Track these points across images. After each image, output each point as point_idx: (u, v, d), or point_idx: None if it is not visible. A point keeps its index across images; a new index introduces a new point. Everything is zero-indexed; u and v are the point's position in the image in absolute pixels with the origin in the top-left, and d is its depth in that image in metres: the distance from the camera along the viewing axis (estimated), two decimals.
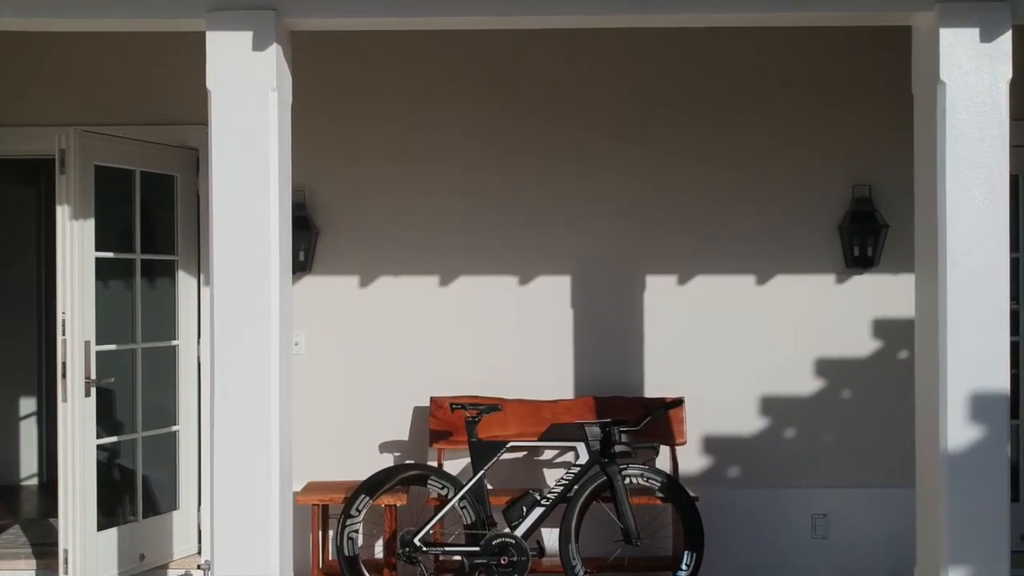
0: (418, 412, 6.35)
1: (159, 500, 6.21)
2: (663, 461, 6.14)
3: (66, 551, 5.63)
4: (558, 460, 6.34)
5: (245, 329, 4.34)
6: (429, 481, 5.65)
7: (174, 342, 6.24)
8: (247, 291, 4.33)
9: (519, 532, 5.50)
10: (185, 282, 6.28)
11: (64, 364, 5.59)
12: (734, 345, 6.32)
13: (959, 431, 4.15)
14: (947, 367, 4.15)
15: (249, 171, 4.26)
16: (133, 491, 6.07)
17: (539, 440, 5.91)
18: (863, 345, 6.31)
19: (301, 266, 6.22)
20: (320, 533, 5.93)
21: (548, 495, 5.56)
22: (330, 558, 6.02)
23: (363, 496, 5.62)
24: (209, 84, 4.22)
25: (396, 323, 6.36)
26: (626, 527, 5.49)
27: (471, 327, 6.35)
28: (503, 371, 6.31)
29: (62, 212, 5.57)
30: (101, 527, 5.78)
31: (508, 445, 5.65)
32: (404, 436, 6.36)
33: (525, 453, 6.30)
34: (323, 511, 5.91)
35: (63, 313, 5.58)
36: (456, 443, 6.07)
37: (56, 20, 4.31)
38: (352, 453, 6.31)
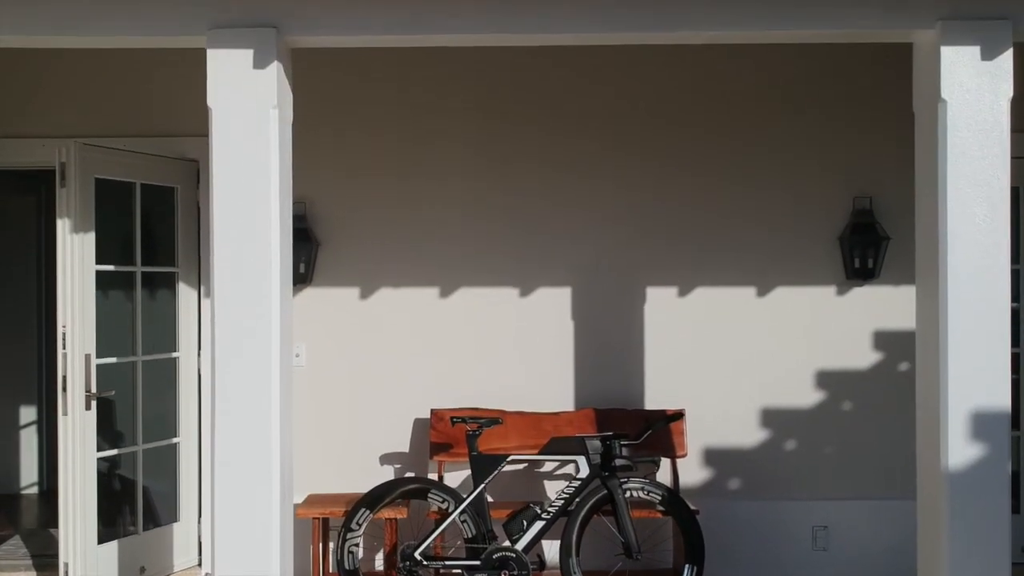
0: (418, 424, 6.35)
1: (160, 512, 6.21)
2: (664, 473, 6.14)
3: (67, 564, 5.63)
4: (559, 472, 6.34)
5: (246, 342, 4.33)
6: (430, 495, 5.65)
7: (174, 354, 6.24)
8: (248, 305, 4.32)
9: (520, 546, 5.49)
10: (185, 294, 6.28)
11: (65, 378, 5.59)
12: (735, 357, 6.32)
13: (960, 449, 4.15)
14: (948, 385, 4.14)
15: (250, 189, 4.25)
16: (133, 503, 6.07)
17: (540, 454, 5.90)
18: (863, 357, 6.31)
19: (301, 278, 6.22)
20: (321, 546, 5.93)
21: (549, 509, 5.56)
22: (331, 571, 6.02)
23: (364, 509, 5.62)
24: (210, 102, 4.21)
25: (396, 334, 6.36)
26: (627, 541, 5.49)
27: (471, 338, 6.35)
28: (503, 383, 6.31)
29: (62, 225, 5.57)
30: (102, 540, 5.78)
31: (508, 459, 5.65)
32: (404, 448, 6.36)
33: (526, 465, 6.29)
34: (324, 524, 5.91)
35: (63, 327, 5.58)
36: (457, 455, 6.06)
37: (56, 37, 4.31)
38: (352, 465, 6.31)
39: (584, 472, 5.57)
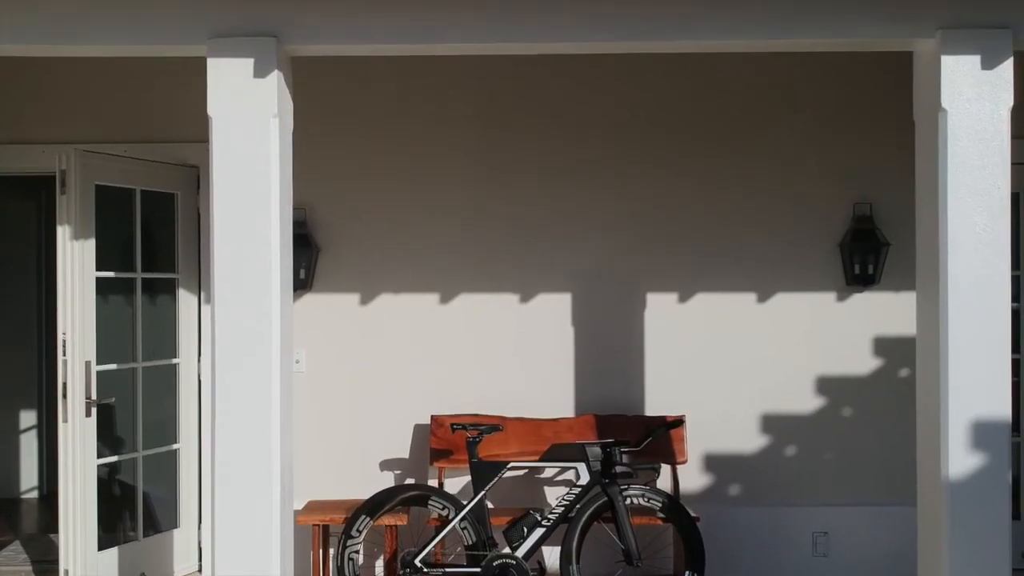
0: (419, 430, 6.35)
1: (160, 518, 6.21)
2: (664, 479, 6.14)
3: (67, 571, 5.63)
4: (559, 478, 6.34)
5: (246, 349, 4.32)
6: (430, 502, 5.65)
7: (174, 360, 6.24)
8: (248, 314, 4.31)
9: (520, 553, 5.49)
10: (185, 300, 6.28)
11: (65, 385, 5.59)
12: (735, 363, 6.32)
13: (960, 458, 4.15)
14: (948, 394, 4.14)
15: (251, 198, 4.25)
16: (134, 509, 6.07)
17: (540, 460, 5.90)
18: (864, 363, 6.32)
19: (302, 284, 6.22)
20: (321, 553, 5.93)
21: (549, 516, 5.56)
22: None
23: (364, 516, 5.61)
24: (210, 111, 4.21)
25: (396, 340, 6.36)
26: (627, 548, 5.49)
27: (471, 345, 6.35)
28: (504, 389, 6.31)
29: (63, 232, 5.57)
30: (102, 546, 5.78)
31: (509, 466, 5.65)
32: (405, 454, 6.36)
33: (526, 472, 6.29)
34: (324, 531, 5.91)
35: (64, 333, 5.57)
36: (457, 462, 6.06)
37: (56, 47, 4.30)
38: (352, 470, 6.31)
39: (584, 479, 5.57)
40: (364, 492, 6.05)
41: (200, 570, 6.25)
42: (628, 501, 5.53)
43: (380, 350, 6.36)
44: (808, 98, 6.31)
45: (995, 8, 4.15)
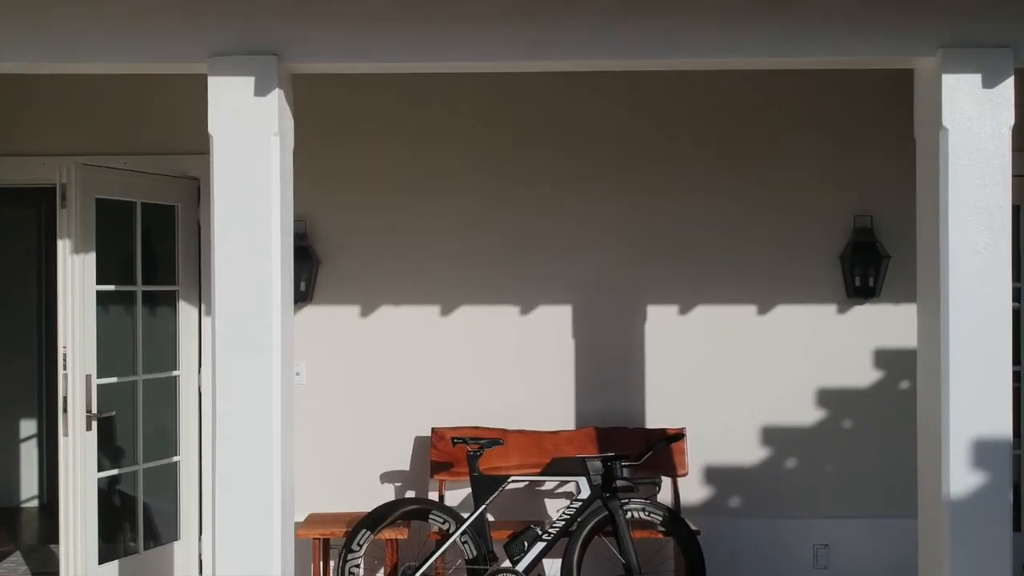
0: (419, 442, 6.35)
1: (160, 530, 6.21)
2: (665, 492, 6.14)
3: None
4: (559, 491, 6.34)
5: (247, 363, 4.32)
6: (431, 516, 5.65)
7: (175, 372, 6.23)
8: (249, 329, 4.31)
9: (521, 567, 5.49)
10: (186, 312, 6.28)
11: (65, 399, 5.58)
12: (735, 375, 6.32)
13: (961, 476, 4.15)
14: (949, 412, 4.14)
15: (251, 216, 4.24)
16: (134, 522, 6.07)
17: (541, 474, 5.90)
18: (864, 375, 6.32)
19: (302, 296, 6.22)
20: (322, 566, 5.92)
21: (550, 529, 5.55)
22: None
23: (364, 530, 5.61)
24: (211, 129, 4.21)
25: (397, 352, 6.36)
26: (628, 562, 5.48)
27: (472, 357, 6.35)
28: (504, 401, 6.31)
29: (63, 246, 5.56)
30: (103, 559, 5.77)
31: (510, 480, 5.65)
32: (405, 466, 6.36)
33: (527, 484, 6.29)
34: (324, 545, 5.90)
35: (64, 347, 5.57)
36: (457, 474, 6.06)
37: (58, 65, 4.30)
38: (353, 482, 6.31)
39: (585, 493, 5.57)
40: (365, 504, 6.06)
41: None
42: (629, 515, 5.53)
43: (380, 362, 6.35)
44: (808, 110, 6.31)
45: (996, 27, 4.15)
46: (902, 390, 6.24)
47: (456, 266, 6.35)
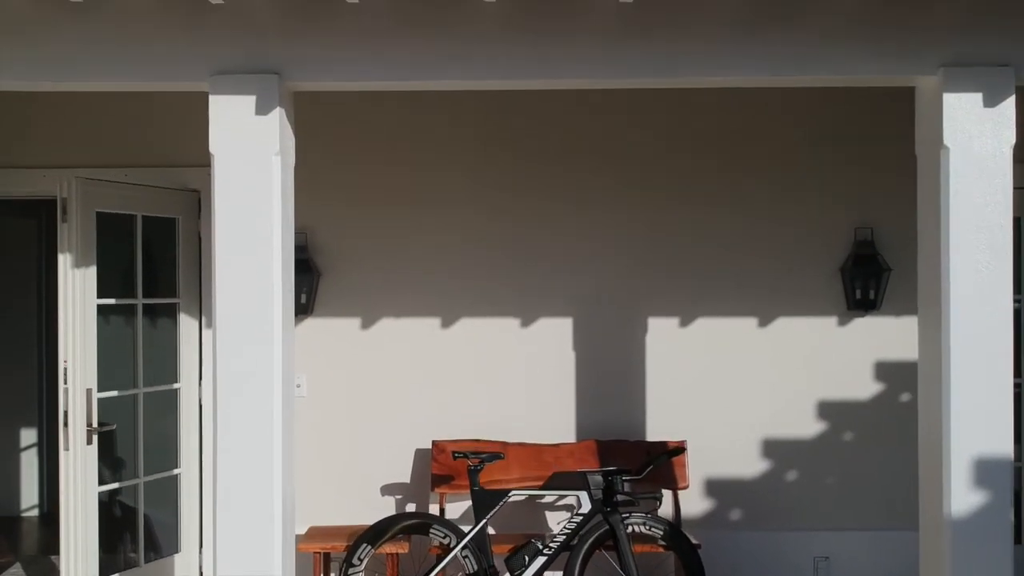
0: (420, 454, 6.35)
1: (161, 542, 6.21)
2: (666, 505, 6.15)
3: None
4: (560, 503, 6.34)
5: (248, 377, 4.31)
6: (431, 530, 5.65)
7: (175, 385, 6.23)
8: (250, 343, 4.30)
9: None
10: (186, 324, 6.28)
11: (66, 413, 5.58)
12: (736, 387, 6.32)
13: (963, 496, 4.14)
14: (950, 432, 4.14)
15: (253, 234, 4.23)
16: (135, 535, 6.07)
17: (542, 488, 5.91)
18: (865, 388, 6.32)
19: (303, 308, 6.22)
20: None
21: (551, 544, 5.55)
22: None
23: (365, 544, 5.61)
24: (212, 148, 4.20)
25: (397, 365, 6.36)
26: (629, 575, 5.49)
27: (472, 369, 6.35)
28: (505, 414, 6.31)
29: (63, 260, 5.56)
30: (103, 571, 5.77)
31: (510, 494, 5.65)
32: (406, 479, 6.36)
33: (527, 497, 6.29)
34: (325, 559, 5.90)
35: (65, 361, 5.57)
36: (458, 487, 6.06)
37: (57, 84, 4.29)
38: (353, 495, 6.31)
39: (586, 507, 5.57)
40: (365, 517, 6.06)
41: None
42: (629, 529, 5.53)
43: (381, 374, 6.36)
44: (809, 123, 6.31)
45: (997, 46, 4.14)
46: (902, 402, 6.24)
47: (456, 278, 6.35)
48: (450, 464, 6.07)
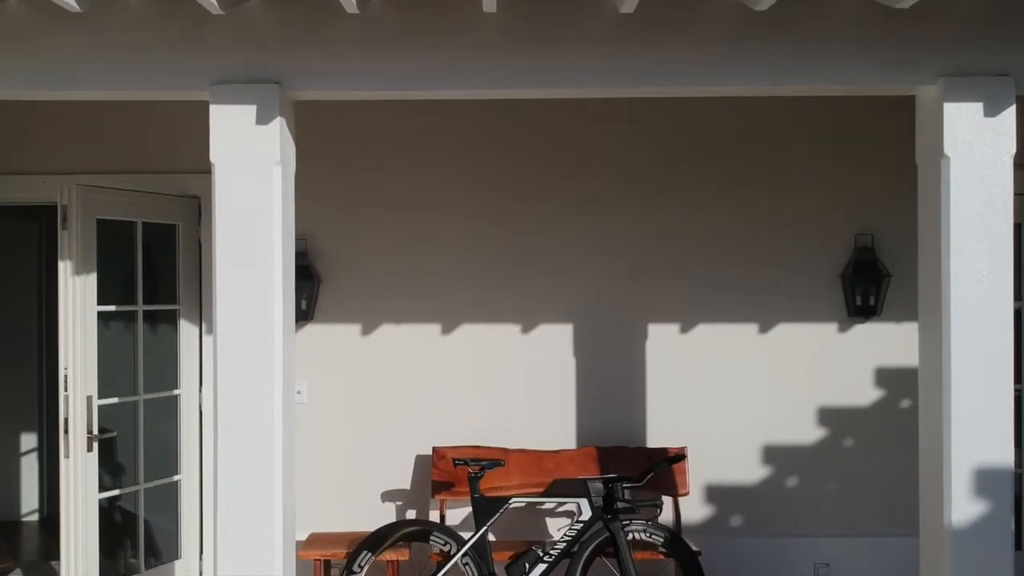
0: (420, 460, 6.35)
1: (161, 549, 6.22)
2: (666, 511, 6.14)
3: None
4: (560, 510, 6.34)
5: (248, 384, 4.31)
6: (432, 537, 5.65)
7: (176, 391, 6.24)
8: (250, 350, 4.29)
9: None
10: (187, 330, 6.28)
11: (67, 420, 5.58)
12: (736, 394, 6.32)
13: (963, 506, 4.14)
14: (951, 443, 4.13)
15: (253, 243, 4.23)
16: (135, 541, 6.07)
17: (542, 496, 5.91)
18: (865, 394, 6.32)
19: (303, 315, 6.22)
20: None
21: (551, 551, 5.56)
22: None
23: (366, 552, 5.61)
24: (213, 157, 4.19)
25: (398, 371, 6.36)
26: None
27: (473, 375, 6.35)
28: (505, 420, 6.31)
29: (64, 268, 5.56)
30: None
31: (511, 502, 5.65)
32: (406, 485, 6.36)
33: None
34: (326, 566, 5.90)
35: (65, 369, 5.57)
36: (458, 494, 6.07)
37: (56, 93, 4.28)
38: (354, 501, 6.31)
39: (586, 514, 5.57)
40: (366, 523, 6.06)
41: None
42: (630, 536, 5.53)
43: (381, 380, 6.36)
44: (809, 129, 6.31)
45: (997, 56, 4.14)
46: (903, 409, 6.24)
47: (457, 284, 6.35)
48: (450, 470, 6.07)
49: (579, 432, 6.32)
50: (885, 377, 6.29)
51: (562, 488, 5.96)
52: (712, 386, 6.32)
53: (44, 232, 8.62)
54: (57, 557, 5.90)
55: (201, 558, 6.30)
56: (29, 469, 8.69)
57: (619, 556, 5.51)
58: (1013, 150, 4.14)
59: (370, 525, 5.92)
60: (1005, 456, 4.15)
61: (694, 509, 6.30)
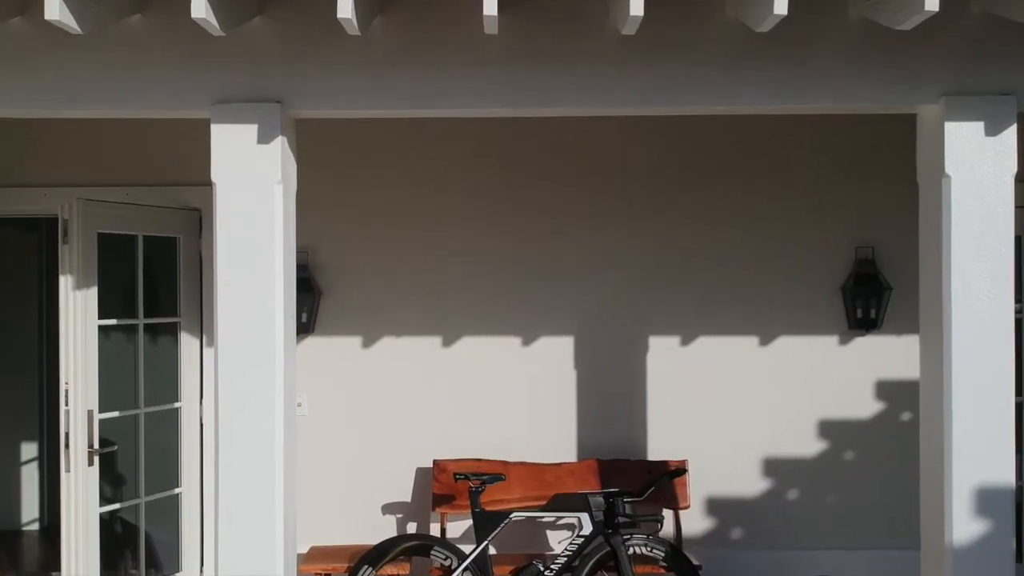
0: (421, 473, 6.35)
1: (162, 561, 6.21)
2: (667, 524, 6.14)
3: None
4: (561, 522, 6.34)
5: (249, 396, 4.30)
6: (432, 551, 5.64)
7: (176, 404, 6.23)
8: (251, 364, 4.29)
9: None
10: (187, 343, 6.28)
11: (67, 434, 5.57)
12: (737, 406, 6.32)
13: (964, 525, 4.14)
14: (952, 461, 4.13)
15: (254, 261, 4.22)
16: (136, 554, 6.07)
17: (543, 510, 5.91)
18: (866, 407, 6.32)
19: (304, 327, 6.22)
20: None
21: (552, 566, 5.56)
22: None
23: (366, 566, 5.61)
24: (214, 176, 4.19)
25: (398, 383, 6.36)
26: None
27: (473, 387, 6.36)
28: (506, 432, 6.31)
29: (65, 282, 5.55)
30: None
31: (511, 516, 5.65)
32: (407, 497, 6.36)
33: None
34: None
35: (66, 383, 5.56)
36: (459, 507, 6.07)
37: (56, 111, 4.28)
38: (355, 514, 6.31)
39: (587, 529, 5.57)
40: (366, 536, 6.06)
41: None
42: (631, 551, 5.53)
43: (382, 393, 6.36)
44: (810, 141, 6.31)
45: (999, 75, 4.13)
46: (903, 421, 6.24)
47: (457, 296, 6.36)
48: (451, 484, 6.07)
49: (580, 445, 6.33)
50: (886, 390, 6.29)
51: (563, 503, 5.96)
52: (713, 398, 6.32)
53: (45, 242, 8.62)
54: (58, 568, 5.88)
55: (202, 570, 6.30)
56: (29, 478, 8.69)
57: (620, 570, 5.51)
58: (1014, 169, 4.14)
59: (371, 537, 5.92)
60: (1006, 475, 4.15)
61: (695, 522, 6.30)
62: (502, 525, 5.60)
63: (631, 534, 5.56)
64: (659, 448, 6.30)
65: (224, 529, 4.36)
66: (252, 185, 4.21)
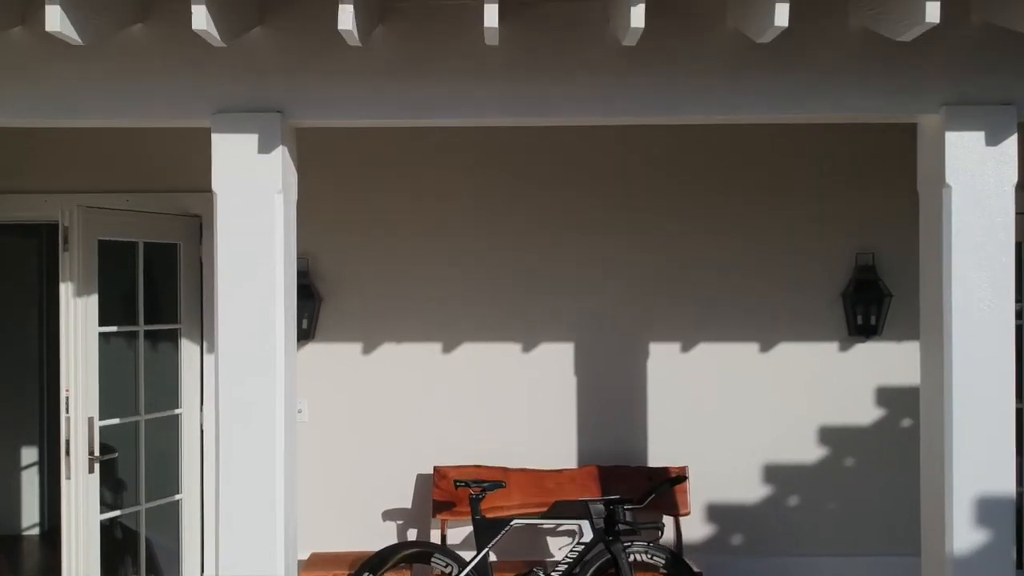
0: (421, 479, 6.35)
1: (162, 569, 6.22)
2: (667, 530, 6.15)
3: None
4: (562, 529, 6.34)
5: (249, 403, 4.30)
6: (433, 559, 5.64)
7: (177, 411, 6.24)
8: (252, 370, 4.28)
9: None
10: (188, 349, 6.28)
11: (68, 441, 5.58)
12: (737, 413, 6.32)
13: (964, 535, 4.14)
14: (952, 471, 4.13)
15: (255, 270, 4.22)
16: (136, 561, 6.07)
17: (543, 517, 5.91)
18: (866, 413, 6.32)
19: (304, 333, 6.22)
20: None
21: (552, 573, 5.55)
22: None
23: (367, 574, 5.60)
24: (215, 186, 4.19)
25: (399, 390, 6.36)
26: None
27: (474, 394, 6.36)
28: (506, 439, 6.31)
29: (65, 289, 5.56)
30: None
31: (512, 522, 5.65)
32: (407, 504, 6.36)
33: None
34: None
35: (67, 391, 5.56)
36: (459, 514, 6.07)
37: (56, 120, 4.29)
38: (355, 520, 6.31)
39: (588, 536, 5.57)
40: (367, 542, 6.06)
41: None
42: (631, 558, 5.53)
43: (382, 399, 6.36)
44: (810, 148, 6.31)
45: (999, 85, 4.13)
46: (903, 428, 6.25)
47: (458, 303, 6.36)
48: (451, 490, 6.07)
49: (580, 451, 6.33)
50: (886, 396, 6.29)
51: (564, 510, 5.96)
52: (713, 405, 6.32)
53: (45, 248, 8.63)
54: (58, 573, 5.88)
55: None
56: (30, 483, 8.70)
57: None
58: (1015, 179, 4.14)
59: (371, 543, 5.93)
60: (1007, 484, 4.15)
61: (695, 528, 6.30)
62: (503, 532, 5.61)
63: (632, 541, 5.56)
64: (660, 454, 6.31)
65: (225, 535, 4.36)
66: (253, 195, 4.21)
